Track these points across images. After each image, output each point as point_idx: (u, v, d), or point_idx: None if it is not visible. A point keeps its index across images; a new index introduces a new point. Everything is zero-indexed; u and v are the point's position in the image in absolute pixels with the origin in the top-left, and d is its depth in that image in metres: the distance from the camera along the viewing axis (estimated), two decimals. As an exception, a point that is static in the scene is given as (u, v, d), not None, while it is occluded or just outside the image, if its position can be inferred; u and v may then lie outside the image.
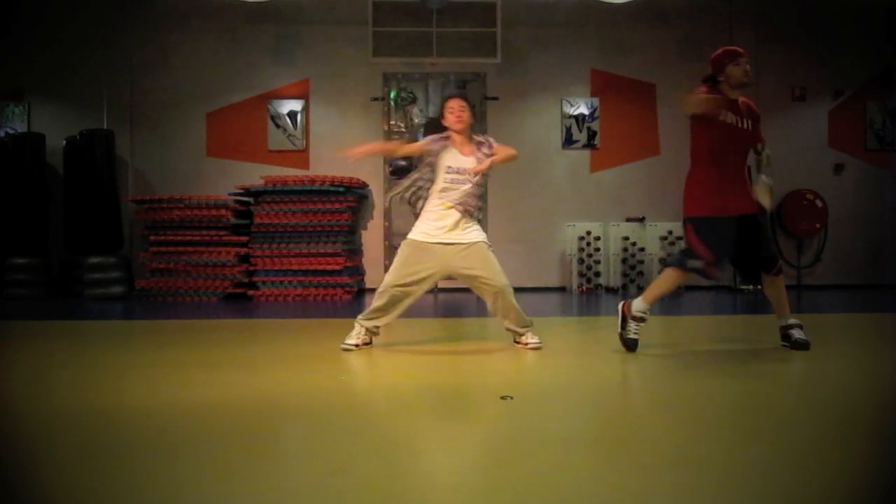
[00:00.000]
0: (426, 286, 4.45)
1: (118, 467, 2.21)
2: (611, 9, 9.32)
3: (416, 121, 9.45)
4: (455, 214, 4.38)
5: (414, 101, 9.50)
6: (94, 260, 8.68)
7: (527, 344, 4.47)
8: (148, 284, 8.67)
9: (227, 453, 2.38)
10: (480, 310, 7.43)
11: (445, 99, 4.54)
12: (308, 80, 9.59)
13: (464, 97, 4.55)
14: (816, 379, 3.68)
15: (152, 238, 8.75)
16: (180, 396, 3.22)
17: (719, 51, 4.24)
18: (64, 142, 8.95)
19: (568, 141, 9.75)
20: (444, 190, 4.41)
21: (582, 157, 9.79)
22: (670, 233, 9.36)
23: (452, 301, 8.29)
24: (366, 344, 4.49)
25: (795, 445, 2.42)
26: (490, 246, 4.47)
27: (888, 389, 3.42)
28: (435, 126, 4.65)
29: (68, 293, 8.82)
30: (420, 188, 4.46)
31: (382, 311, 4.44)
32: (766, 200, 4.22)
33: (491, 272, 4.38)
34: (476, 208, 4.48)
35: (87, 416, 2.88)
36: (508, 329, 4.55)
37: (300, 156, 9.57)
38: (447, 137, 4.46)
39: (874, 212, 9.87)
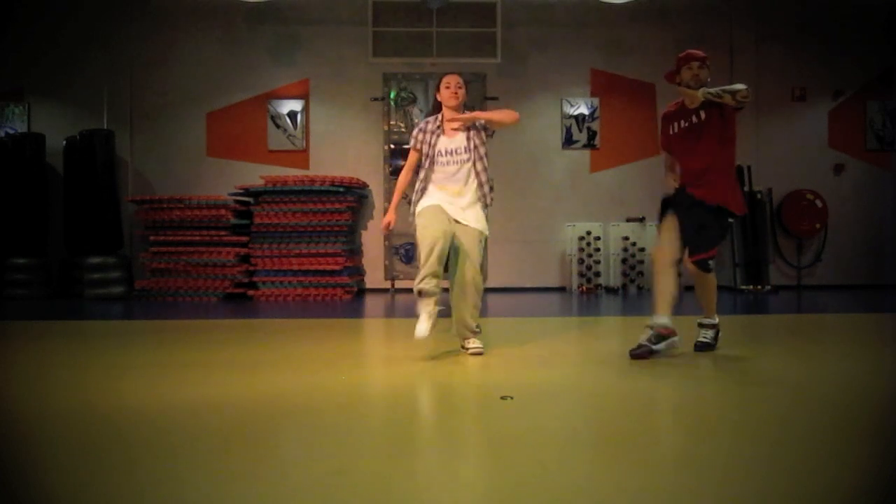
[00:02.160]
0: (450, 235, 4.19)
1: (118, 467, 2.21)
2: (611, 9, 9.32)
3: (416, 121, 9.45)
4: (465, 197, 4.23)
5: (414, 101, 9.50)
6: (94, 260, 8.69)
7: (468, 349, 4.28)
8: (148, 284, 8.67)
9: (227, 453, 2.38)
10: (480, 310, 7.42)
11: (442, 75, 4.35)
12: (308, 80, 9.59)
13: (461, 74, 4.37)
14: (816, 379, 3.67)
15: (152, 238, 8.76)
16: (180, 396, 3.22)
17: (682, 53, 4.35)
18: (64, 142, 8.96)
19: (568, 141, 9.75)
20: (443, 177, 4.25)
21: (582, 157, 9.80)
22: (670, 233, 9.35)
23: (452, 301, 8.27)
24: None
25: (795, 445, 2.42)
26: (482, 240, 4.26)
27: (888, 389, 3.42)
28: (436, 110, 4.40)
29: (68, 293, 8.82)
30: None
31: (434, 273, 4.06)
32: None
33: (470, 258, 4.18)
34: (486, 190, 4.28)
35: (87, 416, 2.88)
36: (458, 330, 4.32)
37: (300, 156, 9.57)
38: (438, 122, 4.31)
39: (874, 212, 9.87)
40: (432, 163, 4.27)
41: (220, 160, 9.54)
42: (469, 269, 4.18)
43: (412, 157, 4.36)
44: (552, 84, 9.69)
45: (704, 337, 4.44)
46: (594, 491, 1.99)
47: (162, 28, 9.50)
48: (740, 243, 9.42)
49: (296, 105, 9.58)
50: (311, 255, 8.69)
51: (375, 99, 9.50)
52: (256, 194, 8.86)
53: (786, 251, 9.81)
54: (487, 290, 9.41)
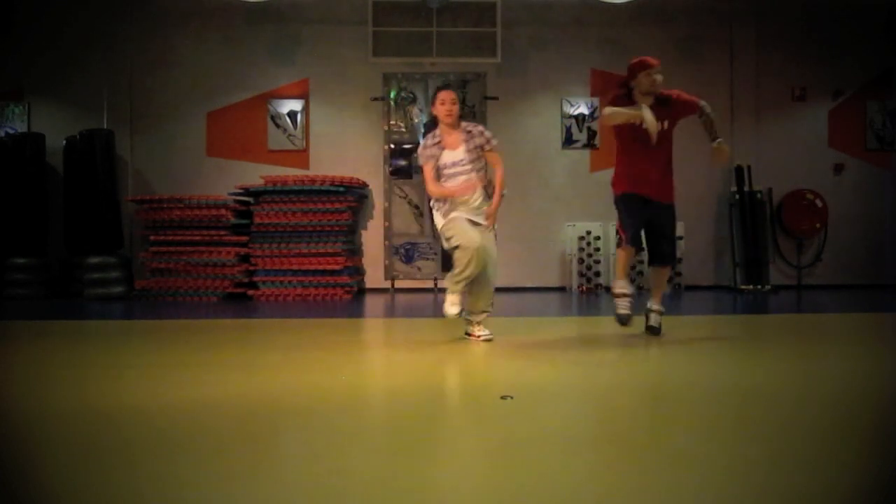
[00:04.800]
0: None
1: (118, 467, 2.21)
2: (611, 9, 9.32)
3: (416, 121, 9.45)
4: (473, 198, 4.60)
5: (414, 101, 9.50)
6: (94, 260, 8.68)
7: (479, 336, 4.66)
8: (148, 284, 8.67)
9: (227, 453, 2.37)
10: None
11: (436, 90, 4.68)
12: (308, 80, 9.59)
13: (453, 89, 4.73)
14: (816, 379, 3.68)
15: (152, 238, 8.76)
16: (180, 396, 3.22)
17: (635, 59, 4.63)
18: (64, 142, 8.96)
19: (568, 141, 9.75)
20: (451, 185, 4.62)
21: (582, 157, 9.79)
22: (670, 233, 9.35)
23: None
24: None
25: (795, 445, 2.42)
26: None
27: (888, 389, 3.42)
28: (434, 124, 4.80)
29: (68, 293, 8.82)
30: None
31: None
32: (721, 159, 4.66)
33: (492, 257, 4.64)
34: (485, 188, 4.67)
35: (87, 416, 2.88)
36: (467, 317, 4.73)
37: (300, 156, 9.57)
38: (437, 138, 4.64)
39: (874, 212, 9.87)
40: (439, 176, 4.61)
41: (220, 160, 9.54)
42: (491, 266, 4.58)
43: (428, 171, 4.64)
44: (552, 84, 9.69)
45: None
46: (594, 490, 1.99)
47: (162, 28, 9.50)
48: (740, 243, 9.41)
49: (296, 105, 9.58)
50: (311, 255, 8.69)
51: (375, 99, 9.49)
52: (256, 194, 8.86)
53: (786, 251, 9.80)
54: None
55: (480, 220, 4.58)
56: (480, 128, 4.69)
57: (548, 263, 9.68)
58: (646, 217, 4.69)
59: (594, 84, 9.73)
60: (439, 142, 4.62)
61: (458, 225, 4.52)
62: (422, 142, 4.80)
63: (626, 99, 4.59)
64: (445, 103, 4.55)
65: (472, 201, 4.60)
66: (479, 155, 4.60)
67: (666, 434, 2.61)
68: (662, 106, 4.57)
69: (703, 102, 4.69)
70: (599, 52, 9.71)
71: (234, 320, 6.75)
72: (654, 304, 4.83)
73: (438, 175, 4.61)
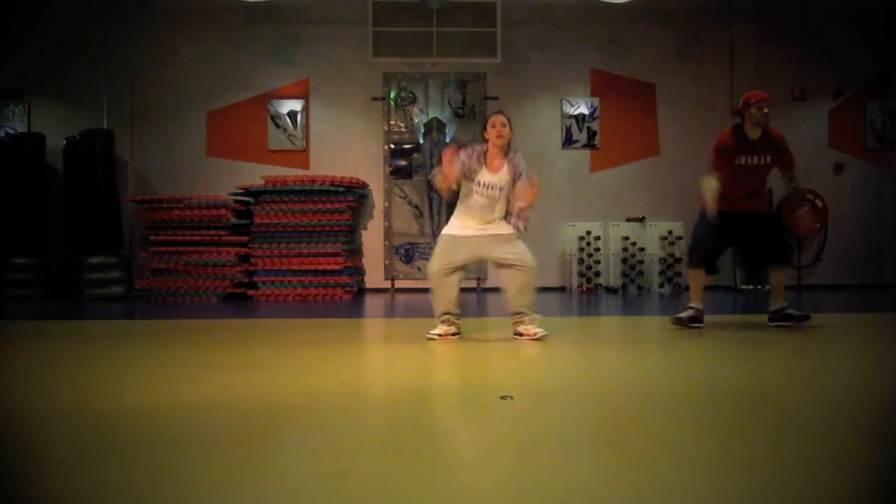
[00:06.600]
0: (464, 270, 4.81)
1: (118, 467, 2.21)
2: (611, 9, 9.32)
3: (416, 121, 9.45)
4: (490, 216, 4.68)
5: (414, 101, 9.50)
6: (94, 260, 8.69)
7: (535, 334, 4.64)
8: (148, 284, 8.67)
9: (227, 453, 2.37)
10: (480, 310, 7.43)
11: (490, 115, 4.82)
12: (308, 80, 9.59)
13: (504, 114, 4.81)
14: (816, 379, 3.67)
15: (152, 238, 8.76)
16: (180, 396, 3.21)
17: (749, 93, 5.10)
18: (64, 142, 8.96)
19: (568, 141, 9.75)
20: (474, 203, 4.67)
21: (582, 157, 9.80)
22: (670, 233, 9.36)
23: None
24: (454, 334, 4.75)
25: (795, 445, 2.42)
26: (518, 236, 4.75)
27: (888, 389, 3.42)
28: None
29: (68, 293, 8.82)
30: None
31: (439, 297, 4.75)
32: (802, 228, 5.24)
33: (520, 254, 4.67)
34: (507, 214, 4.73)
35: (87, 416, 2.88)
36: (513, 315, 4.73)
37: (300, 156, 9.58)
38: (483, 154, 4.68)
39: (874, 212, 9.87)
40: (469, 190, 4.67)
41: (220, 160, 9.54)
42: (524, 263, 4.63)
43: (452, 164, 4.64)
44: (552, 84, 9.69)
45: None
46: (594, 490, 1.99)
47: (162, 28, 9.50)
48: (740, 243, 9.41)
49: (296, 105, 9.58)
50: (311, 255, 8.69)
51: (375, 99, 9.50)
52: (256, 194, 8.86)
53: (786, 251, 9.81)
54: (487, 290, 9.43)
55: (488, 231, 4.66)
56: (519, 156, 4.74)
57: (548, 263, 9.66)
58: (733, 234, 5.12)
59: (594, 84, 9.74)
60: (483, 153, 4.68)
61: (440, 245, 4.74)
62: (468, 148, 4.81)
63: (737, 136, 5.04)
64: (496, 126, 4.65)
65: (486, 218, 4.67)
66: (513, 185, 4.68)
67: (666, 434, 2.61)
68: (767, 141, 5.02)
69: (796, 168, 5.13)
70: (599, 52, 9.71)
71: (234, 320, 6.75)
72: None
73: (469, 190, 4.66)
